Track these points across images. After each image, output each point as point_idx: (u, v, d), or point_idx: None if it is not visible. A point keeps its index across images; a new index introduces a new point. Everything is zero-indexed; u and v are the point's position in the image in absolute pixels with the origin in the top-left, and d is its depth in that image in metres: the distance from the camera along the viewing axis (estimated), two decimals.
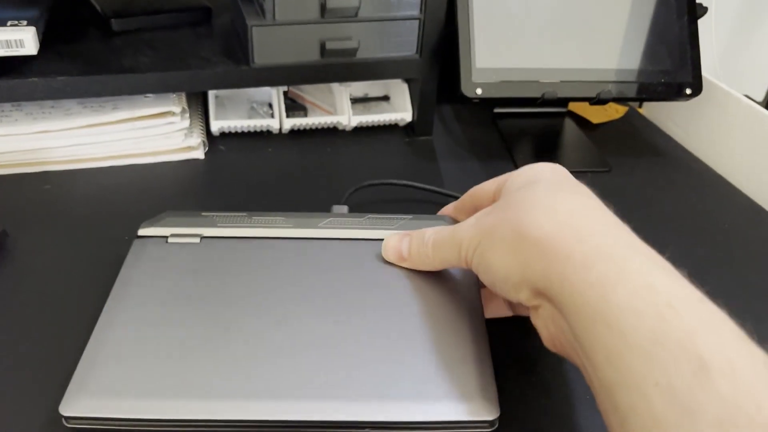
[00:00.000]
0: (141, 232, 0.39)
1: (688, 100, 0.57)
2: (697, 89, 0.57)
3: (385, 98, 0.65)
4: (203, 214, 0.40)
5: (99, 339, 0.33)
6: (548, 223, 0.28)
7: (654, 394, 0.22)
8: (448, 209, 0.42)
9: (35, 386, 0.34)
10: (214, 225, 0.39)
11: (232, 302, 0.35)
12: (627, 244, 0.27)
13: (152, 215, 0.40)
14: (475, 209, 0.36)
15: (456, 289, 0.37)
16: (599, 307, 0.25)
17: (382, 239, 0.38)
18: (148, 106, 0.53)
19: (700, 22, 0.58)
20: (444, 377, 0.31)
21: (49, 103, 0.53)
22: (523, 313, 0.37)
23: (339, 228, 0.40)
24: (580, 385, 0.36)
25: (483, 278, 0.32)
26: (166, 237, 0.39)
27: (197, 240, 0.39)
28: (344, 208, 0.46)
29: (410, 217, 0.41)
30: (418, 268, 0.37)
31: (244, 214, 0.40)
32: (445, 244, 0.34)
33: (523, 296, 0.30)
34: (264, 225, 0.40)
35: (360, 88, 0.64)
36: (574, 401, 0.35)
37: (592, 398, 0.27)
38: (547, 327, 0.30)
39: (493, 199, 0.36)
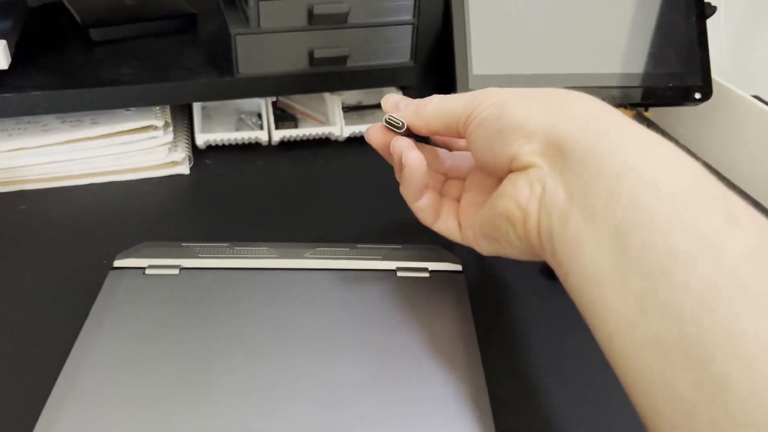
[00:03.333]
0: (117, 263, 0.38)
1: (697, 104, 0.54)
2: (707, 93, 0.54)
3: (380, 106, 0.62)
4: (183, 244, 0.39)
5: (66, 382, 0.30)
6: (582, 95, 0.31)
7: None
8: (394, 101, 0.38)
9: None
10: (194, 256, 0.38)
11: (212, 341, 0.33)
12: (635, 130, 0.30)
13: (133, 236, 0.38)
14: (444, 125, 0.34)
15: (451, 326, 0.34)
16: (606, 159, 0.27)
17: (370, 270, 0.37)
18: (130, 121, 0.50)
19: (708, 21, 0.55)
20: (438, 419, 0.29)
21: (26, 118, 0.50)
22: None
23: (325, 258, 0.38)
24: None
25: (478, 143, 0.32)
26: (144, 268, 0.37)
27: (176, 271, 0.37)
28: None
29: (400, 246, 0.39)
30: (406, 120, 0.35)
31: (226, 244, 0.39)
32: (456, 98, 0.33)
33: (529, 147, 0.30)
34: (247, 255, 0.38)
35: (353, 96, 0.61)
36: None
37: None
38: (531, 187, 0.30)
39: (466, 116, 0.33)
